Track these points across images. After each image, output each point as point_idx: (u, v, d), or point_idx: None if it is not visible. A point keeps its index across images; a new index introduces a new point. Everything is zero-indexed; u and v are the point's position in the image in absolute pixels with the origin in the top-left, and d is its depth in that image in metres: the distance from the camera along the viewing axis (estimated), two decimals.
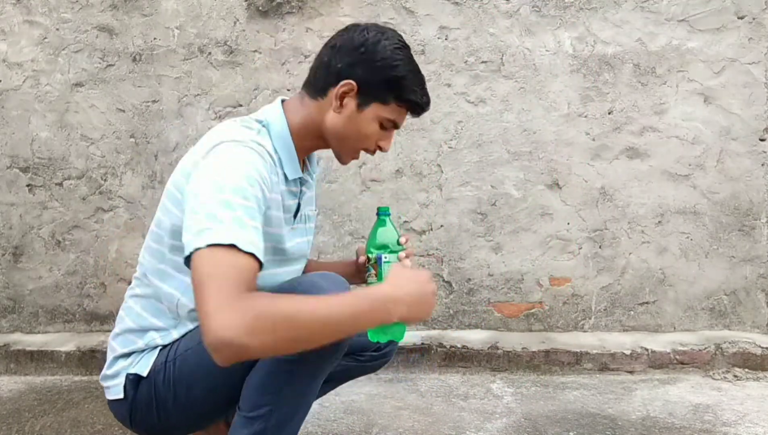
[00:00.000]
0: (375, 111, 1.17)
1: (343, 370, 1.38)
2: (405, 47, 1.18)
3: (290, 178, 1.20)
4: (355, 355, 1.39)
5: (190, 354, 1.16)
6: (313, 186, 1.36)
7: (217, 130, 1.17)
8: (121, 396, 1.20)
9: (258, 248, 0.95)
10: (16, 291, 2.42)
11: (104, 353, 1.29)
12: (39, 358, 2.22)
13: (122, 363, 1.21)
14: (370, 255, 1.22)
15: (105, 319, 2.40)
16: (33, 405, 1.94)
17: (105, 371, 1.24)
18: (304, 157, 1.27)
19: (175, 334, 1.21)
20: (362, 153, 1.25)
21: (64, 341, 2.28)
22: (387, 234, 1.24)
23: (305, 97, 1.23)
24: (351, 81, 1.16)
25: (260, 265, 0.95)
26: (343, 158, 1.25)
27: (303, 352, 0.99)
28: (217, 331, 0.84)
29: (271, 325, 0.86)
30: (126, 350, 1.22)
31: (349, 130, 1.19)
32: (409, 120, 2.36)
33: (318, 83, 1.20)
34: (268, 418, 1.10)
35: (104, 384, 1.24)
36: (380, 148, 1.23)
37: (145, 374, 1.19)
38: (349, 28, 1.20)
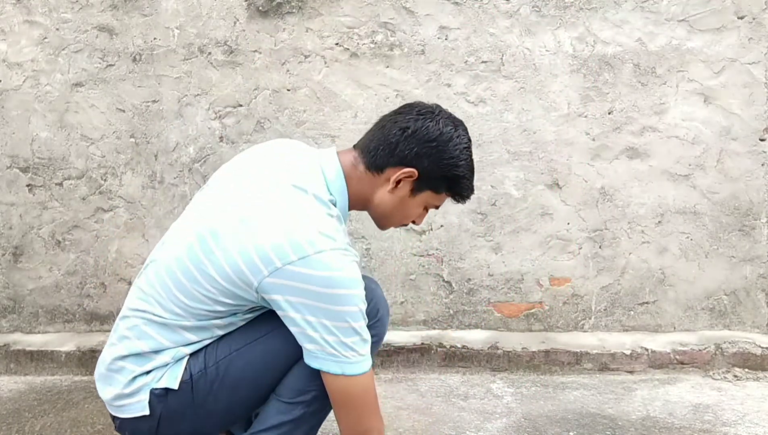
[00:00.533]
0: (425, 198, 1.25)
1: None
2: (470, 145, 1.24)
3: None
4: None
5: (235, 357, 1.19)
6: None
7: (286, 194, 1.14)
8: (147, 413, 1.17)
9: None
10: (16, 291, 2.42)
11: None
12: (39, 358, 2.22)
13: (143, 380, 1.18)
14: None
15: (105, 319, 2.40)
16: (33, 405, 1.94)
17: (120, 391, 1.18)
18: None
19: (204, 342, 1.20)
20: None
21: (64, 341, 2.28)
22: None
23: (360, 165, 1.23)
24: (414, 170, 1.19)
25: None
26: (380, 225, 1.31)
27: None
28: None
29: None
30: (145, 369, 1.18)
31: (396, 211, 1.25)
32: None
33: (379, 160, 1.21)
34: (310, 404, 1.20)
35: (118, 404, 1.19)
36: (414, 223, 1.31)
37: (176, 386, 1.16)
38: (425, 114, 1.21)
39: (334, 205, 1.19)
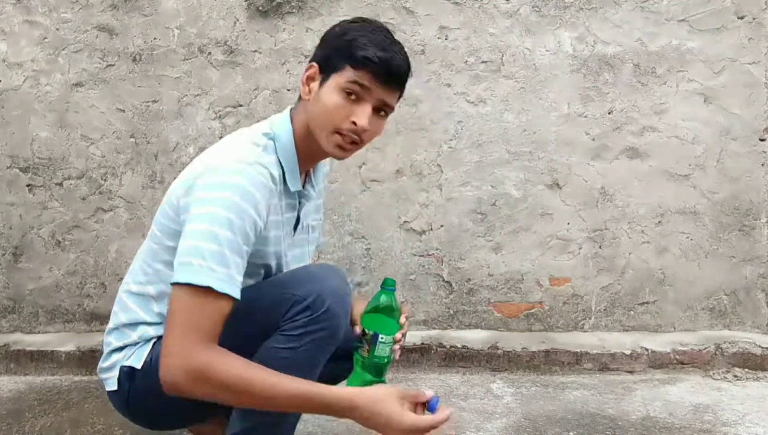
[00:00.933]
0: (334, 81, 1.12)
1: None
2: (364, 20, 1.17)
3: (292, 190, 1.21)
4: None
5: None
6: (316, 196, 1.35)
7: (224, 144, 1.18)
8: (116, 388, 1.24)
9: (235, 285, 1.02)
10: (16, 291, 2.42)
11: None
12: (39, 358, 2.21)
13: (116, 356, 1.25)
14: (366, 329, 1.21)
15: (105, 319, 2.38)
16: (33, 405, 1.93)
17: (101, 364, 1.28)
18: (309, 168, 1.27)
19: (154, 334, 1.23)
20: (351, 146, 1.16)
21: (64, 341, 2.28)
22: (388, 312, 1.21)
23: (299, 102, 1.23)
24: (313, 63, 1.17)
25: (235, 300, 1.02)
26: (325, 145, 1.16)
27: (299, 344, 1.09)
28: (166, 369, 0.98)
29: (213, 384, 0.98)
30: (120, 344, 1.24)
31: (316, 109, 1.15)
32: (408, 119, 2.34)
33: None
34: (265, 412, 1.10)
35: (101, 376, 1.28)
36: (354, 125, 1.12)
37: (139, 366, 1.21)
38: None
39: (273, 140, 1.19)
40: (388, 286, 1.22)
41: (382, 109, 1.16)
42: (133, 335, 1.23)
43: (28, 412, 1.88)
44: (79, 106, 2.38)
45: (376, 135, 1.19)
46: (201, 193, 1.06)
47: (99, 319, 2.40)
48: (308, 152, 1.21)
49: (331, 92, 1.13)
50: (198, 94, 2.37)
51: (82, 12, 2.36)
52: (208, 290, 0.99)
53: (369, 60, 1.10)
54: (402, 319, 1.23)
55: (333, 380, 1.28)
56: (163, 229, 1.19)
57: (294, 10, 2.35)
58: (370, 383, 1.19)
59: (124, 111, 2.38)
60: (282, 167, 1.19)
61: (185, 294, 1.00)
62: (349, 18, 1.22)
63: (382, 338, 1.19)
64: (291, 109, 1.25)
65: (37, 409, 1.90)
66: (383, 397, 1.03)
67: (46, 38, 2.36)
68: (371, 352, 1.19)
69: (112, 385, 1.25)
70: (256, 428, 1.16)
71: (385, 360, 1.21)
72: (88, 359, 2.19)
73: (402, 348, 1.27)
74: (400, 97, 1.20)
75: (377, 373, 1.22)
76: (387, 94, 1.14)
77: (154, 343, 1.22)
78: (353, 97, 1.12)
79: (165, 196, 1.21)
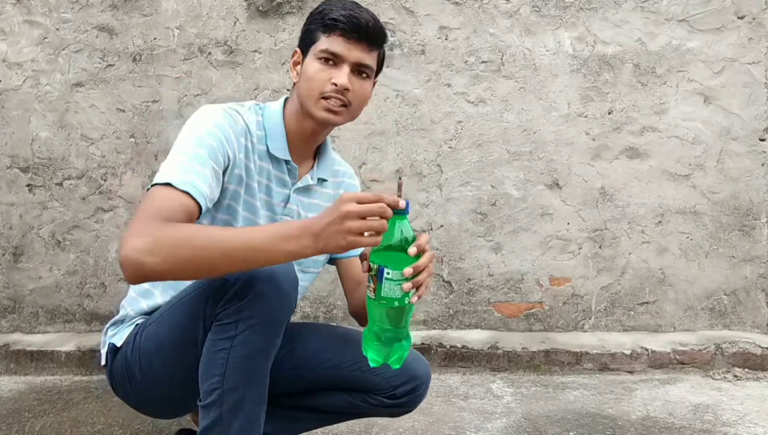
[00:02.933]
0: (312, 53, 1.20)
1: (349, 406, 1.34)
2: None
3: (273, 153, 1.23)
4: (364, 394, 1.32)
5: (151, 327, 1.20)
6: (323, 194, 1.34)
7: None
8: (103, 362, 1.27)
9: (196, 189, 1.04)
10: (16, 291, 2.42)
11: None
12: (39, 358, 2.21)
13: (111, 331, 1.29)
14: (372, 263, 1.00)
15: (105, 319, 2.40)
16: (33, 405, 1.93)
17: (102, 337, 1.32)
18: (304, 149, 1.28)
19: (147, 309, 1.26)
20: (338, 106, 1.19)
21: (64, 341, 2.28)
22: (395, 241, 0.99)
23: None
24: (296, 48, 1.24)
25: (198, 205, 1.04)
26: (314, 113, 1.19)
27: (235, 332, 1.04)
28: (123, 249, 0.94)
29: (169, 246, 0.94)
30: (119, 317, 1.29)
31: (301, 84, 1.21)
32: (408, 119, 2.34)
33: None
34: (220, 403, 1.07)
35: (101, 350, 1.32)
36: (335, 85, 1.17)
37: (119, 345, 1.24)
38: None
39: (261, 109, 1.26)
40: (398, 211, 0.97)
41: (362, 71, 1.20)
42: (129, 310, 1.27)
43: (28, 412, 1.88)
44: (79, 106, 2.38)
45: (364, 98, 1.23)
46: (181, 131, 1.15)
47: (99, 319, 2.40)
48: (299, 129, 1.25)
49: (310, 63, 1.19)
50: (198, 94, 2.37)
51: (82, 12, 2.36)
52: (167, 186, 1.03)
53: (335, 20, 1.16)
54: (412, 250, 0.99)
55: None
56: None
57: (294, 10, 2.35)
58: (387, 339, 1.03)
59: (124, 111, 2.38)
60: (265, 130, 1.24)
61: (150, 192, 1.03)
62: None
63: (387, 273, 0.98)
64: (286, 99, 1.30)
65: (37, 409, 1.90)
66: (328, 210, 0.97)
67: (46, 38, 2.36)
68: (378, 291, 0.99)
69: (102, 360, 1.29)
70: (220, 420, 1.09)
71: (396, 303, 0.99)
72: (88, 359, 2.19)
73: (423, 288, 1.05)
74: (380, 58, 1.25)
75: (391, 320, 1.01)
76: (362, 53, 1.19)
77: (137, 325, 1.23)
78: (330, 62, 1.18)
79: None
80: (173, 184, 1.03)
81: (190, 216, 1.03)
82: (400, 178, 1.05)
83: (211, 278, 1.07)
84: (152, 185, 1.04)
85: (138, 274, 0.95)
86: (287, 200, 1.27)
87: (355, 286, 1.36)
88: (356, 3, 1.21)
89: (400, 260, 0.99)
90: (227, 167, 1.15)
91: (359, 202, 0.94)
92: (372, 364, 1.05)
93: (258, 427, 1.11)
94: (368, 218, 0.94)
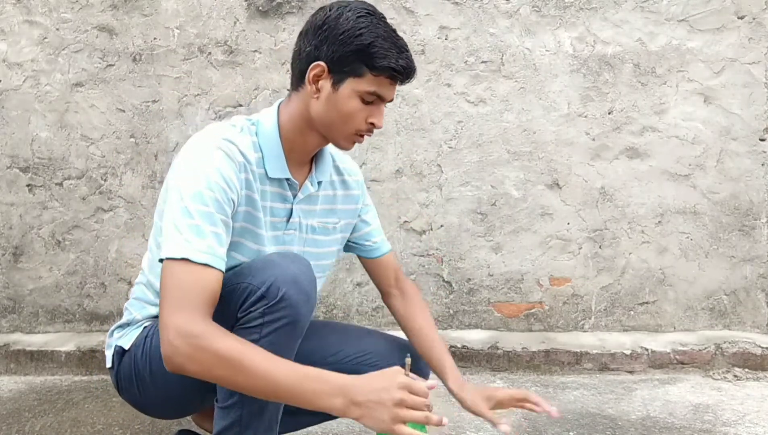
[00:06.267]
0: (351, 86, 1.12)
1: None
2: (370, 14, 1.13)
3: (272, 176, 1.18)
4: None
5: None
6: (324, 197, 1.32)
7: (207, 128, 1.20)
8: (109, 365, 1.27)
9: (214, 255, 1.02)
10: (16, 291, 2.42)
11: (104, 353, 1.33)
12: (39, 358, 2.21)
13: (117, 334, 1.28)
14: None
15: (105, 319, 2.40)
16: (33, 405, 1.93)
17: (107, 340, 1.32)
18: (302, 161, 1.25)
19: (155, 313, 1.25)
20: (365, 138, 1.20)
21: (64, 341, 2.28)
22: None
23: (291, 93, 1.23)
24: (320, 62, 1.13)
25: (220, 271, 1.02)
26: (340, 144, 1.19)
27: (260, 335, 1.06)
28: (165, 346, 0.96)
29: (210, 363, 0.95)
30: (125, 320, 1.28)
31: (331, 113, 1.15)
32: (408, 119, 2.34)
33: (295, 73, 1.20)
34: (242, 404, 1.10)
35: (106, 352, 1.32)
36: (373, 126, 1.16)
37: (127, 347, 1.23)
38: (315, 11, 1.18)
39: (254, 126, 1.20)
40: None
41: None
42: (136, 314, 1.27)
43: (28, 412, 1.88)
44: (79, 106, 2.38)
45: None
46: (173, 171, 1.11)
47: (99, 319, 2.40)
48: (294, 143, 1.21)
49: (349, 98, 1.13)
50: (198, 94, 2.37)
51: (82, 12, 2.36)
52: (185, 262, 1.00)
53: (393, 70, 1.11)
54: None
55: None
56: (159, 217, 1.24)
57: (294, 10, 2.35)
58: None
59: (124, 111, 2.38)
60: (261, 151, 1.18)
61: (168, 269, 1.01)
62: (332, 3, 1.16)
63: None
64: (280, 103, 1.25)
65: (37, 409, 1.90)
66: (376, 377, 0.97)
67: (46, 38, 2.36)
68: None
69: (108, 362, 1.28)
70: (239, 421, 1.12)
71: None
72: (88, 359, 2.19)
73: None
74: None
75: None
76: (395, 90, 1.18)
77: (146, 327, 1.23)
78: (369, 101, 1.14)
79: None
80: (191, 259, 1.00)
81: (213, 291, 1.01)
82: (408, 357, 1.06)
83: (229, 282, 1.08)
84: (168, 258, 1.01)
85: (176, 371, 0.98)
86: (290, 215, 1.25)
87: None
88: (401, 38, 1.14)
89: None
90: (233, 211, 1.11)
91: (411, 392, 0.96)
92: None
93: (275, 429, 1.15)
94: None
